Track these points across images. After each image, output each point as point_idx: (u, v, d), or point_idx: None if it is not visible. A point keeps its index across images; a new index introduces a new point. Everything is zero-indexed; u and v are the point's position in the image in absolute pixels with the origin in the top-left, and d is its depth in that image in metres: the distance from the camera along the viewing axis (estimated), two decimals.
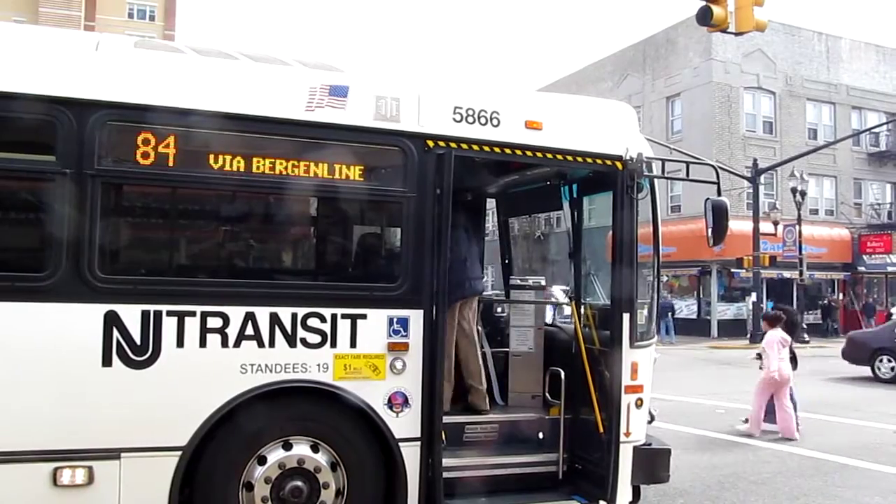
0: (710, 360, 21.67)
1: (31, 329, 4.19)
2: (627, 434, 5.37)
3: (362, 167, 4.88)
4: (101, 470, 4.25)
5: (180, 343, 4.41)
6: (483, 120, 5.09)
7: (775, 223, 28.30)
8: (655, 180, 5.61)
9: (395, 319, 4.83)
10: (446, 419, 5.08)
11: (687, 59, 33.43)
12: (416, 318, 4.87)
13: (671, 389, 12.31)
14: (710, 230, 5.61)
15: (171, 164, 4.47)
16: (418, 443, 4.85)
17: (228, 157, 4.59)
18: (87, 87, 4.33)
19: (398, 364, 4.82)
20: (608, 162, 5.41)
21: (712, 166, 5.71)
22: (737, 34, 12.05)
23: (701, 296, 32.52)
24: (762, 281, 28.74)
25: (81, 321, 4.26)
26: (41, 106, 4.25)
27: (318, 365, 4.67)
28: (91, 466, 4.24)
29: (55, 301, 4.22)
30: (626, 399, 5.36)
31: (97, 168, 4.31)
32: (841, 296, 34.77)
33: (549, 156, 5.27)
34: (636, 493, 5.52)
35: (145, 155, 4.42)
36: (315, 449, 4.75)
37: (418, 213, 4.90)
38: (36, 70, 4.30)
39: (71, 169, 4.26)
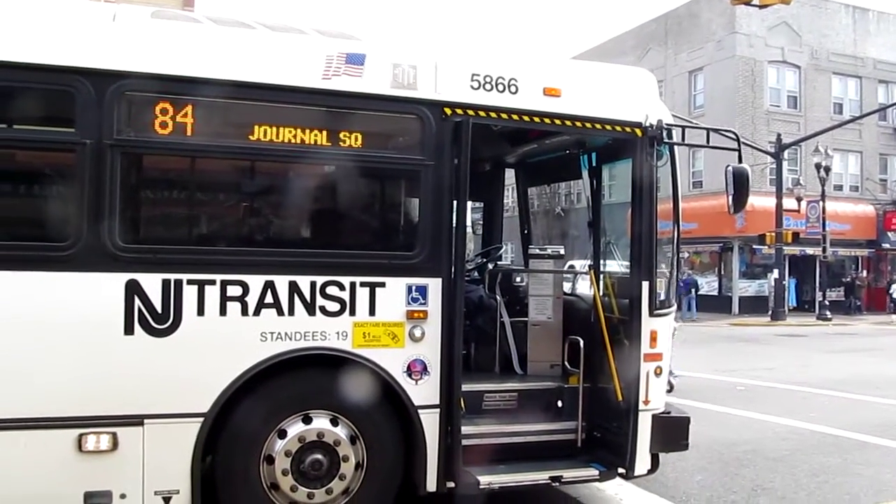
0: (731, 337, 21.58)
1: (54, 298, 4.24)
2: (646, 402, 5.36)
3: (379, 135, 4.88)
4: (125, 436, 4.32)
5: (201, 311, 4.45)
6: (501, 87, 5.05)
7: (799, 199, 28.01)
8: (675, 148, 5.56)
9: (413, 287, 4.84)
10: (465, 387, 5.09)
11: (710, 33, 32.98)
12: (434, 285, 4.87)
13: (692, 366, 12.26)
14: (730, 198, 5.57)
15: (188, 133, 4.49)
16: (437, 410, 4.87)
17: (245, 126, 4.61)
18: (105, 57, 4.35)
19: (417, 332, 4.83)
20: (627, 129, 5.35)
21: (734, 133, 5.64)
22: (761, 7, 11.84)
23: (722, 272, 32.31)
24: (784, 258, 28.51)
25: (103, 290, 4.31)
26: (60, 76, 4.28)
27: (338, 333, 4.70)
28: (115, 433, 4.30)
29: (77, 270, 4.27)
30: (645, 367, 5.35)
31: (116, 138, 4.33)
32: (864, 273, 34.37)
33: (568, 123, 5.22)
34: (655, 461, 5.50)
35: (163, 125, 4.44)
36: (334, 422, 4.78)
37: (436, 181, 4.88)
38: (54, 41, 4.32)
39: (90, 139, 4.29)
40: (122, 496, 4.33)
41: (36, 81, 4.31)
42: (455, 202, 4.96)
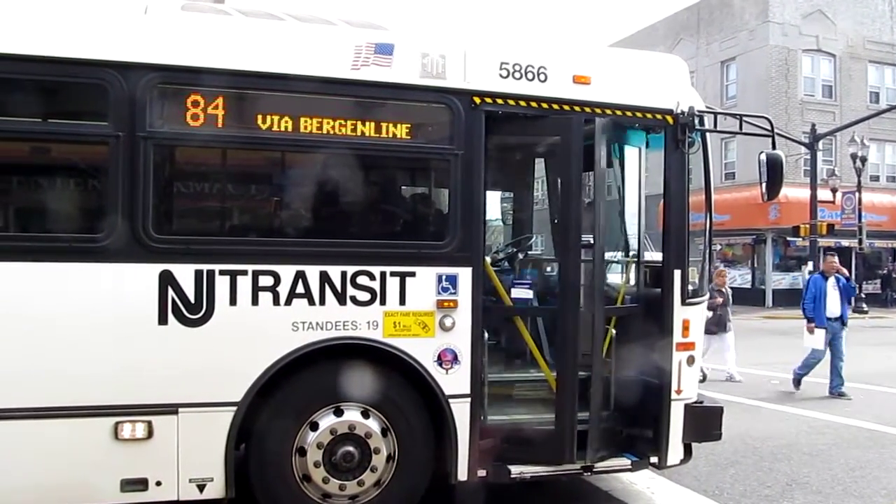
0: (764, 329, 21.27)
1: (90, 289, 4.32)
2: (678, 391, 5.33)
3: (409, 125, 4.87)
4: (160, 424, 4.39)
5: (233, 301, 4.49)
6: (530, 75, 5.02)
7: (834, 190, 27.48)
8: (708, 137, 5.50)
9: (443, 277, 4.84)
10: (496, 377, 5.10)
11: (743, 22, 32.50)
12: (464, 275, 4.87)
13: (724, 359, 12.10)
14: (764, 185, 5.50)
15: (220, 125, 4.54)
16: (468, 399, 4.87)
17: (276, 118, 4.64)
18: (137, 50, 4.40)
19: (447, 321, 4.83)
20: (658, 116, 5.31)
21: (767, 120, 5.56)
22: None
23: (755, 265, 31.87)
24: (819, 250, 27.96)
25: (137, 280, 4.37)
26: (93, 70, 4.33)
27: (368, 322, 4.71)
28: (150, 421, 4.37)
29: (111, 261, 4.34)
30: (678, 356, 5.32)
31: (149, 130, 4.39)
32: None
33: (598, 111, 5.19)
34: (688, 451, 5.48)
35: (195, 117, 4.48)
36: (366, 415, 4.81)
37: (466, 170, 4.87)
38: (86, 34, 4.38)
39: (123, 132, 4.34)
40: (158, 483, 4.40)
41: (69, 75, 4.38)
42: (485, 192, 4.95)
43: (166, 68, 4.43)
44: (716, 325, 11.77)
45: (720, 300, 11.84)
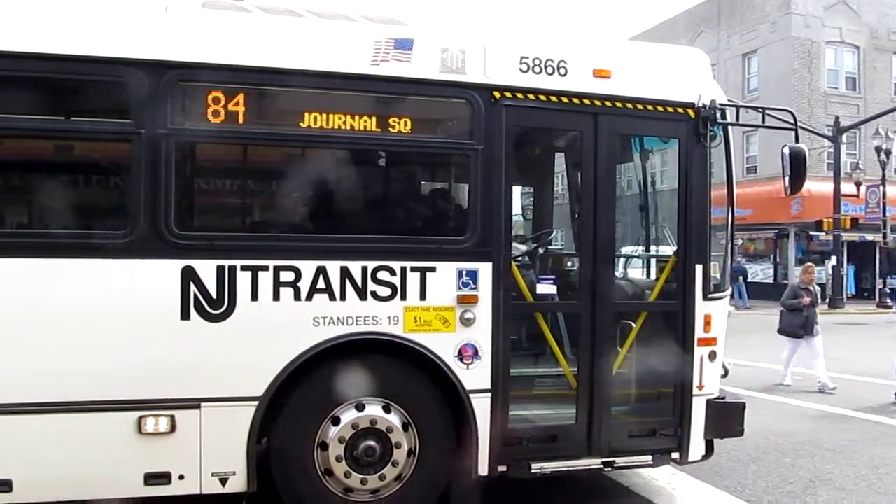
0: None
1: (113, 285, 4.35)
2: (700, 387, 5.31)
3: (429, 120, 4.90)
4: (183, 419, 4.42)
5: (254, 297, 4.52)
6: (550, 70, 5.01)
7: (857, 184, 27.15)
8: (730, 130, 5.46)
9: (464, 272, 4.84)
10: (516, 371, 5.10)
11: (764, 14, 32.15)
12: (485, 270, 4.87)
13: (747, 355, 12.00)
14: (787, 179, 5.44)
15: (241, 121, 4.56)
16: (489, 394, 4.88)
17: (296, 114, 4.66)
18: (158, 47, 4.43)
19: (468, 316, 4.83)
20: (680, 110, 5.27)
21: (790, 113, 5.51)
22: None
23: (778, 259, 31.57)
24: (843, 244, 27.72)
25: (160, 276, 4.41)
26: (115, 68, 4.38)
27: (389, 318, 4.73)
28: (173, 415, 4.41)
29: (134, 257, 4.38)
30: (699, 352, 5.30)
31: (170, 127, 4.42)
32: None
33: (619, 104, 5.16)
34: (709, 447, 5.45)
35: (216, 113, 4.51)
36: (387, 409, 4.82)
37: (486, 165, 4.87)
38: (108, 32, 4.42)
39: (145, 129, 4.38)
40: (181, 477, 4.44)
41: (92, 73, 4.42)
42: (505, 186, 4.94)
43: (187, 65, 4.46)
44: (802, 328, 11.09)
45: (808, 300, 11.04)
